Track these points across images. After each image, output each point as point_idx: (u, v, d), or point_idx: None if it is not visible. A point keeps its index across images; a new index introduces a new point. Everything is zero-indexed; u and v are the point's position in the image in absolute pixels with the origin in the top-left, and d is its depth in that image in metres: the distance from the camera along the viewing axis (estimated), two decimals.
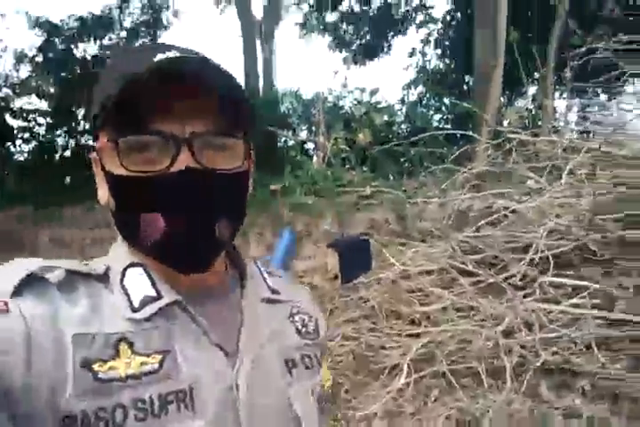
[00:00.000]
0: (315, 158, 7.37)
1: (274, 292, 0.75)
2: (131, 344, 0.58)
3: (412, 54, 12.89)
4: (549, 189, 3.94)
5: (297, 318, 0.76)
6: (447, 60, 12.53)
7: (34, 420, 0.52)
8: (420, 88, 12.50)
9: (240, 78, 0.69)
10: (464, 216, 4.45)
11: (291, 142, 9.25)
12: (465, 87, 11.70)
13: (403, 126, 10.83)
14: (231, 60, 13.41)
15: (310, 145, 8.88)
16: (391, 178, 5.06)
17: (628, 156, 3.61)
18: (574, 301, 3.25)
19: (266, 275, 0.77)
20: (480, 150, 5.24)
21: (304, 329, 0.75)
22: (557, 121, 6.28)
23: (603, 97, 7.83)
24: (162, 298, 0.62)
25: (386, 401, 2.86)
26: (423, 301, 3.67)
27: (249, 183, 0.68)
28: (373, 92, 8.96)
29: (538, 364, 2.85)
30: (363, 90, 9.30)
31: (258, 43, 12.43)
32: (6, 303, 0.55)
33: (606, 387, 2.76)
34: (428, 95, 12.26)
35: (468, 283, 3.57)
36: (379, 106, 9.35)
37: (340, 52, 13.70)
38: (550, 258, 3.32)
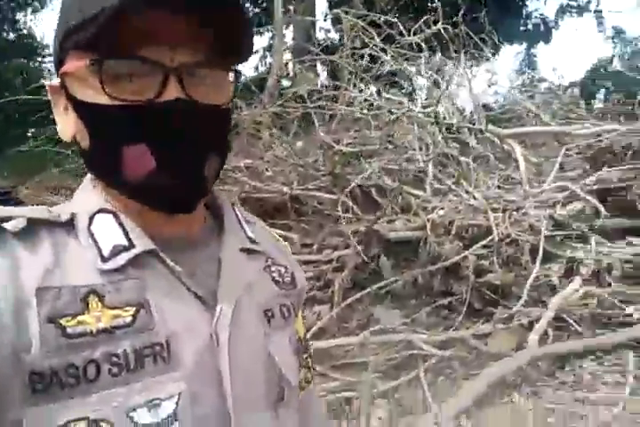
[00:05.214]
0: None
1: (252, 241, 0.71)
2: (101, 297, 0.55)
3: None
4: None
5: (273, 268, 0.73)
6: None
7: None
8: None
9: None
10: None
11: None
12: None
13: None
14: None
15: None
16: None
17: None
18: None
19: (244, 223, 0.73)
20: None
21: (280, 280, 0.73)
22: None
23: None
24: (134, 247, 0.58)
25: None
26: None
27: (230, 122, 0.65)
28: None
29: None
30: None
31: None
32: None
33: None
34: None
35: None
36: None
37: None
38: None
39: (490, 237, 3.88)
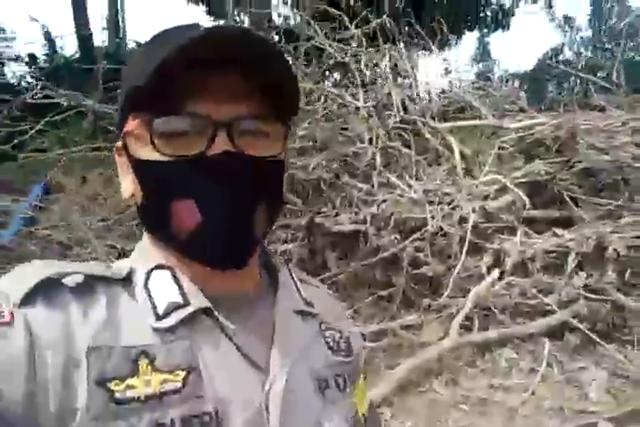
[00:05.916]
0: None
1: (307, 304, 0.68)
2: (152, 359, 0.52)
3: None
4: None
5: (328, 333, 0.68)
6: None
7: None
8: None
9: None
10: None
11: None
12: None
13: None
14: None
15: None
16: None
17: None
18: None
19: (299, 283, 0.70)
20: None
21: (335, 346, 0.68)
22: None
23: None
24: (189, 305, 0.56)
25: None
26: None
27: (284, 173, 0.64)
28: None
29: None
30: None
31: None
32: (11, 314, 0.49)
33: None
34: None
35: None
36: None
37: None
38: None
39: (424, 230, 4.02)
